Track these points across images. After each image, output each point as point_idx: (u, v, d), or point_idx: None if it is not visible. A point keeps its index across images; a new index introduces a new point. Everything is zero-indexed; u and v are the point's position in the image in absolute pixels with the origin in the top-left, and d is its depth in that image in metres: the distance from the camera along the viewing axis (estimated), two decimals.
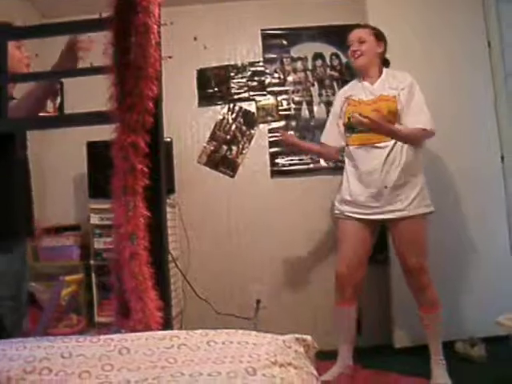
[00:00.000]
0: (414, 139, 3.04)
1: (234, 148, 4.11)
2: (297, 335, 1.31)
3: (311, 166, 4.17)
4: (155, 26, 1.47)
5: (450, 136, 3.67)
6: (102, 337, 1.19)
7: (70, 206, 4.18)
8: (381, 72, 3.20)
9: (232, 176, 3.72)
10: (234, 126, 4.14)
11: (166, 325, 1.46)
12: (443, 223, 3.60)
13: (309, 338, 1.33)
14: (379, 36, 3.23)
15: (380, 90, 3.12)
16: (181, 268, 3.96)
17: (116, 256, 1.44)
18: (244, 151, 4.01)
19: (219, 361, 1.06)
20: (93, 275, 3.69)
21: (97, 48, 1.58)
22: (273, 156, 4.18)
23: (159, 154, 1.44)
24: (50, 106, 4.23)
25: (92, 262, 3.70)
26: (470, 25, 3.84)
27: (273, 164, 4.18)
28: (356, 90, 3.22)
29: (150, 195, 1.40)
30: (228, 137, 4.12)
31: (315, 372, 1.16)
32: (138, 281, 1.39)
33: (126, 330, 1.42)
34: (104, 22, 1.50)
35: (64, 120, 1.62)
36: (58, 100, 4.33)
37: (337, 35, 4.23)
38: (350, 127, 3.14)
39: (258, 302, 4.05)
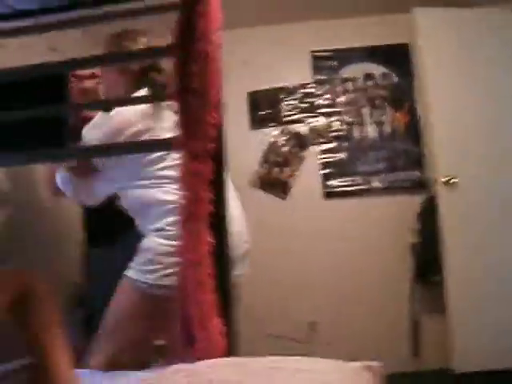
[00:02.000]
0: None
1: (286, 170, 4.11)
2: (365, 362, 1.29)
3: (364, 186, 4.13)
4: (217, 54, 1.48)
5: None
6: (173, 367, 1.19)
7: None
8: None
9: (284, 198, 3.71)
10: (285, 149, 4.15)
11: (231, 352, 1.44)
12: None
13: (376, 364, 1.31)
14: None
15: None
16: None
17: (181, 283, 1.44)
18: (296, 173, 4.00)
19: None
20: None
21: None
22: (325, 177, 4.16)
23: (223, 181, 1.44)
24: None
25: None
26: None
27: (325, 185, 4.16)
28: None
29: (214, 221, 1.40)
30: (280, 159, 4.12)
31: None
32: (202, 309, 1.39)
33: (192, 358, 1.41)
34: (166, 50, 1.52)
35: (130, 147, 1.64)
36: None
37: (386, 55, 4.23)
38: None
39: (312, 323, 4.01)
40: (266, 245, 4.05)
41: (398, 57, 4.22)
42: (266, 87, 4.29)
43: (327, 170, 4.15)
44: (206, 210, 1.37)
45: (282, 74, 4.32)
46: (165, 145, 1.48)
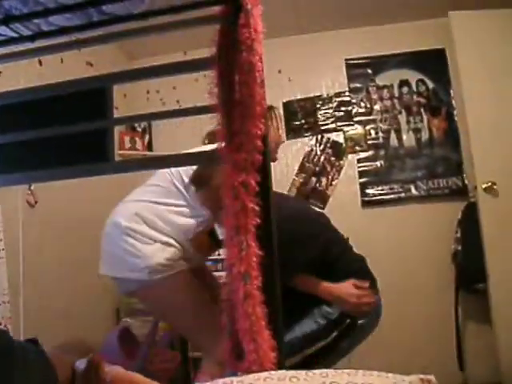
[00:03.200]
0: None
1: (324, 179, 4.09)
2: (421, 375, 1.25)
3: (402, 194, 4.08)
4: (259, 64, 1.47)
5: None
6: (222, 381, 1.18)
7: None
8: None
9: (322, 208, 3.68)
10: (322, 158, 4.13)
11: (280, 365, 1.42)
12: None
13: (432, 378, 1.27)
14: None
15: None
16: None
17: (228, 296, 1.43)
18: (333, 182, 3.98)
19: None
20: None
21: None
22: (363, 186, 4.13)
23: (268, 192, 1.43)
24: (138, 143, 4.36)
25: None
26: None
27: (363, 194, 4.13)
28: None
29: (261, 234, 1.39)
30: (317, 168, 4.11)
31: None
32: (251, 321, 1.37)
33: (241, 371, 1.40)
34: (207, 62, 1.51)
35: (169, 160, 1.63)
36: (147, 138, 4.45)
37: (422, 61, 4.20)
38: None
39: None
40: None
41: (433, 62, 4.19)
42: (301, 96, 4.29)
43: (365, 179, 4.12)
44: (253, 222, 1.36)
45: (317, 83, 4.32)
46: (210, 157, 1.47)
